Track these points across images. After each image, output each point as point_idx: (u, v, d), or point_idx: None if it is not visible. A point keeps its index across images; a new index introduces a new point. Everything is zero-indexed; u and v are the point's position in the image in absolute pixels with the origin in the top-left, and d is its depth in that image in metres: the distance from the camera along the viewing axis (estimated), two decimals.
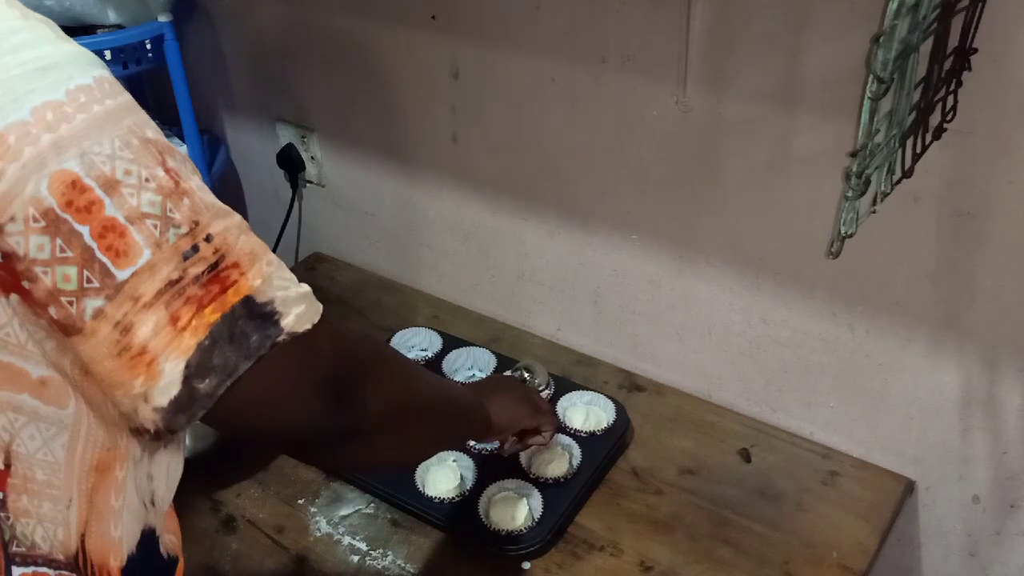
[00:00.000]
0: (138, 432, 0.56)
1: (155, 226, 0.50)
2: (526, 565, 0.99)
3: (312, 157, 1.50)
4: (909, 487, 1.09)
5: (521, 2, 1.11)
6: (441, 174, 1.34)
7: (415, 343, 1.29)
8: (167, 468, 0.63)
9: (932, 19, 0.70)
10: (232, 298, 0.52)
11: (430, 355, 1.27)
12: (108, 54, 1.30)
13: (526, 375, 1.18)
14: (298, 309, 0.55)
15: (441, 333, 1.30)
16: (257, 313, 0.53)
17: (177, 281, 0.50)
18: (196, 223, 0.52)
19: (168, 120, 1.54)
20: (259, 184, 1.64)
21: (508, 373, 1.18)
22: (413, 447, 0.75)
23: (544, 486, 1.05)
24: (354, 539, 1.04)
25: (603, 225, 1.21)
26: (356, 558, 1.01)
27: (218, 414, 0.53)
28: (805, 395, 1.15)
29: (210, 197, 0.54)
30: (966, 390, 1.02)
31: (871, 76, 0.62)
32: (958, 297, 0.98)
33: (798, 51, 0.95)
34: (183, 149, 1.46)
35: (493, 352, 1.26)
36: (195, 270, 0.51)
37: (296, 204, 1.57)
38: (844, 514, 1.04)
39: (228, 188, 1.65)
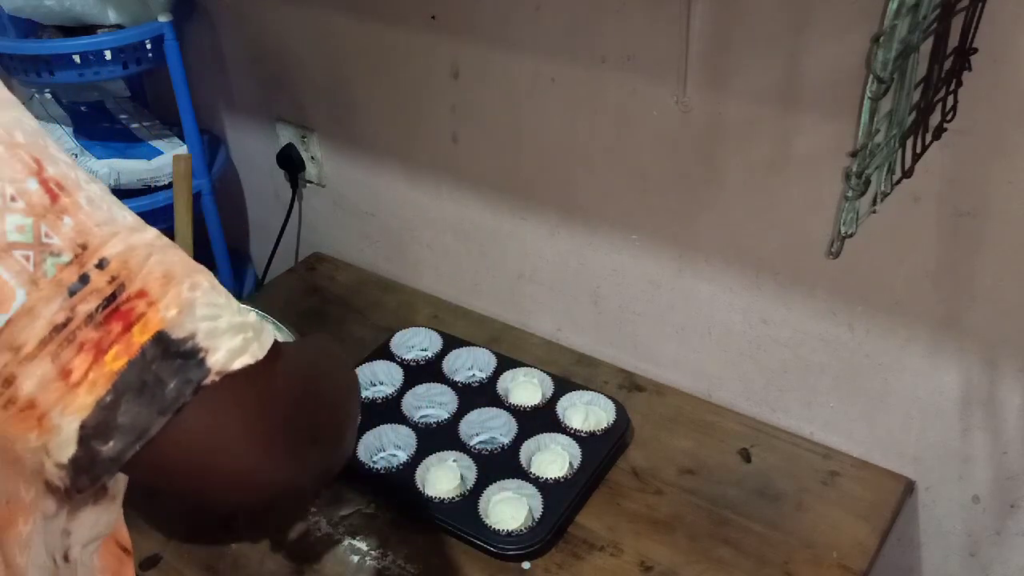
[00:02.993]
0: (53, 488, 0.47)
1: (27, 258, 0.41)
2: (526, 565, 0.99)
3: (312, 157, 1.50)
4: (909, 487, 1.09)
5: (521, 2, 1.11)
6: (441, 174, 1.34)
7: (415, 343, 1.29)
8: (93, 523, 0.55)
9: (932, 19, 0.70)
10: (139, 337, 0.42)
11: (430, 355, 1.27)
12: (108, 54, 1.30)
13: None
14: (232, 343, 0.45)
15: (441, 333, 1.30)
16: (174, 352, 0.43)
17: (64, 324, 0.41)
18: (83, 247, 0.42)
19: (168, 120, 1.54)
20: (259, 184, 1.64)
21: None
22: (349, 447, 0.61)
23: (544, 486, 1.05)
24: (354, 539, 1.04)
25: (603, 225, 1.21)
26: (356, 558, 1.01)
27: (138, 473, 0.45)
28: (805, 395, 1.15)
29: (107, 211, 0.44)
30: (966, 390, 1.02)
31: (871, 76, 0.62)
32: (958, 297, 0.98)
33: (798, 51, 0.95)
34: (182, 149, 1.46)
35: (493, 352, 1.26)
36: (86, 307, 0.42)
37: (296, 204, 1.57)
38: (844, 514, 1.04)
39: (228, 188, 1.65)
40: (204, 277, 0.46)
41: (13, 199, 0.41)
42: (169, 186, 1.45)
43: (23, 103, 0.45)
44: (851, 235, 0.72)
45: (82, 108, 1.53)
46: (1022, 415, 1.00)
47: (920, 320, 1.02)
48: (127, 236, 0.44)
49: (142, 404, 0.42)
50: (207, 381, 0.43)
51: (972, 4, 0.78)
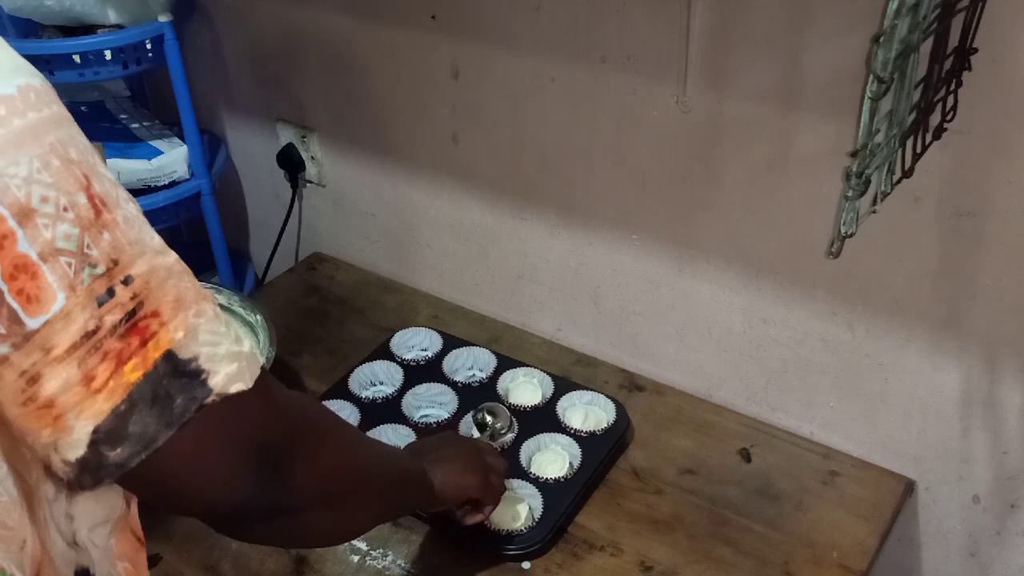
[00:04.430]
0: (54, 475, 0.50)
1: (70, 264, 0.44)
2: (526, 565, 0.99)
3: (312, 157, 1.50)
4: (909, 487, 1.09)
5: (521, 2, 1.12)
6: (441, 174, 1.34)
7: (415, 343, 1.29)
8: (93, 508, 0.57)
9: (932, 19, 0.70)
10: (153, 352, 0.46)
11: (430, 355, 1.27)
12: (108, 54, 1.30)
13: (488, 418, 1.12)
14: (229, 368, 0.49)
15: (441, 333, 1.30)
16: (181, 371, 0.47)
17: (94, 332, 0.45)
18: (115, 262, 0.46)
19: (168, 120, 1.54)
20: (259, 184, 1.64)
21: (470, 416, 1.13)
22: (349, 524, 0.68)
23: (544, 486, 1.05)
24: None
25: (603, 225, 1.21)
26: (356, 558, 1.01)
27: (129, 480, 0.48)
28: (805, 395, 1.15)
29: (138, 231, 0.48)
30: (966, 390, 1.02)
31: (871, 76, 0.62)
32: (958, 297, 0.98)
33: (798, 51, 0.95)
34: (182, 149, 1.46)
35: (493, 352, 1.26)
36: (112, 318, 0.45)
37: (296, 204, 1.57)
38: (844, 514, 1.04)
39: (228, 188, 1.65)
40: (209, 305, 0.50)
41: (65, 209, 0.44)
42: (170, 186, 1.45)
43: None
44: (851, 235, 0.72)
45: (82, 108, 1.53)
46: (1022, 415, 1.00)
47: (920, 320, 1.02)
48: (151, 258, 0.47)
49: (153, 416, 0.46)
50: (209, 400, 0.48)
51: (972, 4, 0.78)
